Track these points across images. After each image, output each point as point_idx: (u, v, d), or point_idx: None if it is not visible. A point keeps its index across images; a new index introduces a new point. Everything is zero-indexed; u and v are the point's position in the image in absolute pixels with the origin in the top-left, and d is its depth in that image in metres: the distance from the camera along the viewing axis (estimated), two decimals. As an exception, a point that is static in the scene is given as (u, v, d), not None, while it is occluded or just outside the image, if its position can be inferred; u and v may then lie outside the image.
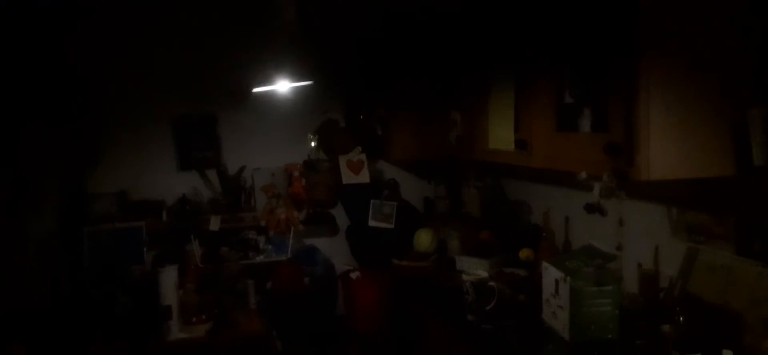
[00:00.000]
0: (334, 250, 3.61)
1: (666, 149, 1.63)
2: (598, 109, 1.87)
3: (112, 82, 3.28)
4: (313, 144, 3.51)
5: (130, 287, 2.87)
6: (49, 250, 3.01)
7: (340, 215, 3.65)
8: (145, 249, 3.14)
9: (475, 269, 2.79)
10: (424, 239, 3.23)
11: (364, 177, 3.43)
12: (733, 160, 1.65)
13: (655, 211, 2.13)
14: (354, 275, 3.33)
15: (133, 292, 2.82)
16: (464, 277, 2.35)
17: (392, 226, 3.40)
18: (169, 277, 2.59)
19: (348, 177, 3.42)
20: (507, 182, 3.33)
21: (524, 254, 2.66)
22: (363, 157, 3.43)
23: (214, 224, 3.24)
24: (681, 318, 1.79)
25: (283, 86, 3.23)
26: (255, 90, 3.30)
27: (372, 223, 3.45)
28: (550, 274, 2.05)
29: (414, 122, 3.21)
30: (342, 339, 3.34)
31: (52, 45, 3.04)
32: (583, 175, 1.91)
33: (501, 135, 2.53)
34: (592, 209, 1.91)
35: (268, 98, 3.40)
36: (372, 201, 3.47)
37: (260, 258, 3.35)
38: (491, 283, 2.33)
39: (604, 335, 1.92)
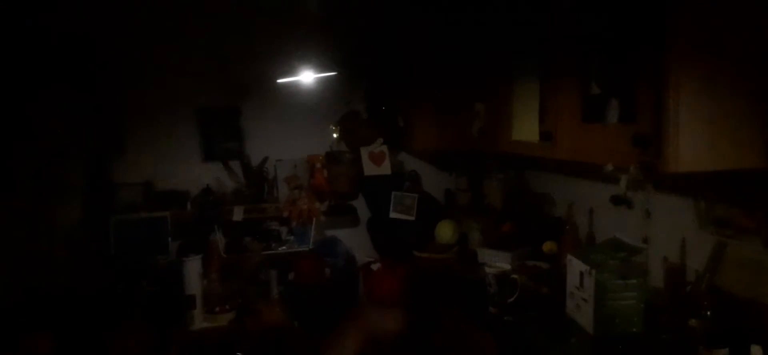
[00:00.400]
0: (356, 241, 3.61)
1: (695, 141, 1.59)
2: (625, 99, 1.82)
3: (138, 73, 3.29)
4: (335, 135, 3.51)
5: (155, 277, 2.91)
6: (76, 239, 3.03)
7: (361, 206, 3.65)
8: (169, 239, 3.18)
9: (497, 261, 2.74)
10: (445, 231, 3.22)
11: (386, 169, 3.42)
12: (763, 152, 1.61)
13: (681, 203, 2.09)
14: (375, 267, 3.33)
15: (158, 281, 2.86)
16: (486, 269, 2.33)
17: (413, 218, 3.39)
18: (193, 267, 2.62)
19: (370, 168, 3.42)
20: (530, 174, 3.29)
21: (548, 246, 2.63)
22: (385, 148, 3.42)
23: (238, 214, 3.26)
24: (708, 313, 1.76)
25: (307, 77, 3.23)
26: (279, 81, 3.30)
27: (393, 214, 3.44)
28: (575, 267, 2.03)
29: (436, 113, 3.18)
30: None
31: (78, 34, 3.06)
32: (610, 167, 1.87)
33: (525, 126, 2.50)
34: (618, 201, 1.88)
35: (291, 89, 3.40)
36: (393, 193, 3.46)
37: (283, 249, 3.36)
38: (514, 275, 2.31)
39: (629, 329, 1.90)
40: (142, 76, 3.30)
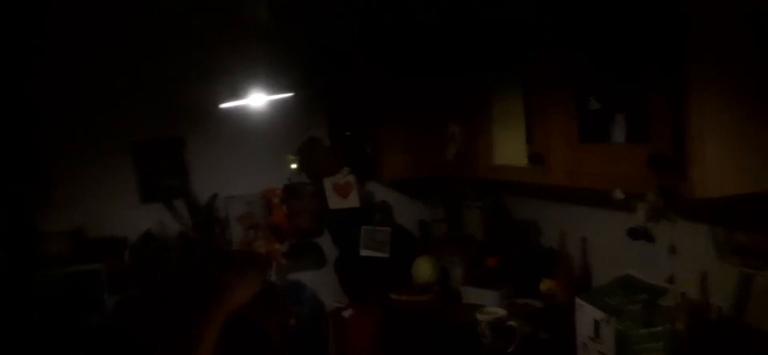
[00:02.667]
0: (322, 285, 3.29)
1: (723, 161, 1.39)
2: (633, 115, 1.62)
3: (62, 106, 2.97)
4: (293, 166, 3.21)
5: (88, 341, 2.61)
6: None
7: (327, 244, 3.34)
8: (105, 295, 2.86)
9: (483, 300, 2.49)
10: (424, 269, 2.91)
11: (354, 201, 3.11)
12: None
13: (698, 231, 1.84)
14: (346, 313, 3.03)
15: (92, 347, 2.49)
16: (478, 316, 2.02)
17: (387, 255, 3.09)
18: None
19: (335, 202, 3.11)
20: (511, 200, 3.02)
21: (546, 286, 2.33)
22: (351, 178, 3.11)
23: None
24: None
25: (257, 100, 2.90)
26: (222, 106, 2.97)
27: (364, 252, 3.12)
28: (587, 313, 1.71)
29: (407, 138, 2.90)
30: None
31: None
32: (619, 194, 1.65)
33: (510, 149, 2.26)
34: (637, 234, 1.60)
35: (241, 115, 3.08)
36: (363, 228, 3.15)
37: (239, 298, 3.00)
38: (511, 322, 2.00)
39: (657, 385, 1.60)
40: (67, 110, 2.98)
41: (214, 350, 0.94)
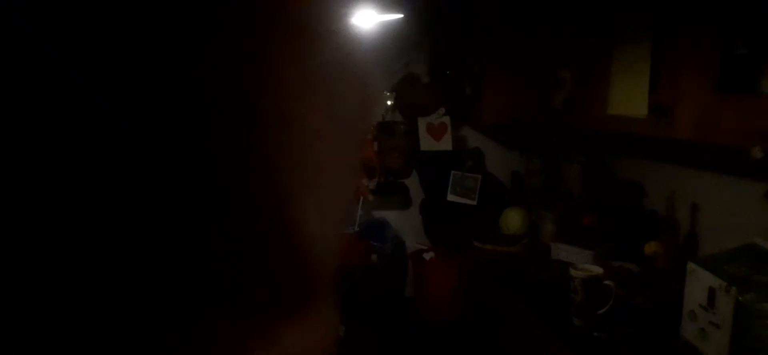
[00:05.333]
0: (406, 225, 3.23)
1: None
2: None
3: None
4: (389, 102, 3.09)
5: None
6: None
7: (414, 185, 3.25)
8: None
9: (574, 258, 2.35)
10: (513, 220, 2.78)
11: (446, 144, 3.00)
12: None
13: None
14: (427, 256, 2.95)
15: None
16: (572, 272, 1.88)
17: (475, 202, 2.98)
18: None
19: (427, 143, 3.01)
20: (613, 159, 2.82)
21: (651, 248, 2.16)
22: (446, 120, 3.00)
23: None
24: None
25: (365, 19, 2.74)
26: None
27: (451, 197, 3.03)
28: (701, 280, 1.55)
29: (511, 80, 2.74)
30: (410, 325, 2.96)
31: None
32: (758, 152, 1.47)
33: (628, 97, 2.05)
34: (776, 197, 1.41)
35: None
36: (453, 172, 3.05)
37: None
38: (607, 282, 1.86)
39: (778, 368, 1.43)
40: None
41: None
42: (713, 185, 2.15)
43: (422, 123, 3.01)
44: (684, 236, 2.29)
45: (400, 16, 2.59)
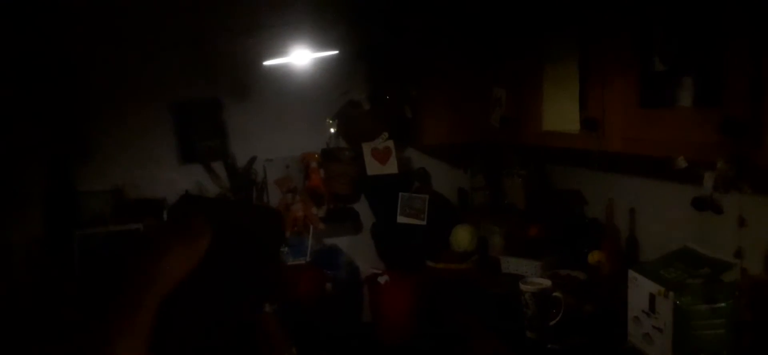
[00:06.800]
0: (359, 250, 3.23)
1: None
2: (703, 77, 1.53)
3: (101, 66, 2.88)
4: (332, 130, 3.12)
5: None
6: (36, 258, 2.71)
7: (364, 210, 3.26)
8: None
9: (524, 271, 2.43)
10: (462, 237, 2.83)
11: (392, 167, 3.03)
12: None
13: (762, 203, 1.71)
14: (382, 279, 2.96)
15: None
16: (523, 286, 1.93)
17: (424, 222, 3.01)
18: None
19: (373, 167, 3.03)
20: (553, 170, 2.91)
21: (595, 257, 2.24)
22: (390, 144, 3.02)
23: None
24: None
25: (300, 58, 2.76)
26: (266, 63, 2.87)
27: (401, 219, 3.06)
28: (641, 287, 1.63)
29: (450, 102, 2.79)
30: (368, 351, 2.96)
31: (30, 26, 2.67)
32: (682, 162, 1.55)
33: (561, 114, 2.16)
34: (702, 205, 1.50)
35: (282, 75, 2.97)
36: (400, 194, 3.08)
37: (275, 261, 2.97)
38: (556, 293, 1.92)
39: (717, 365, 1.51)
40: (106, 68, 2.88)
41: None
42: (648, 190, 2.25)
43: (367, 148, 3.03)
44: (625, 241, 2.38)
45: (335, 52, 2.62)
